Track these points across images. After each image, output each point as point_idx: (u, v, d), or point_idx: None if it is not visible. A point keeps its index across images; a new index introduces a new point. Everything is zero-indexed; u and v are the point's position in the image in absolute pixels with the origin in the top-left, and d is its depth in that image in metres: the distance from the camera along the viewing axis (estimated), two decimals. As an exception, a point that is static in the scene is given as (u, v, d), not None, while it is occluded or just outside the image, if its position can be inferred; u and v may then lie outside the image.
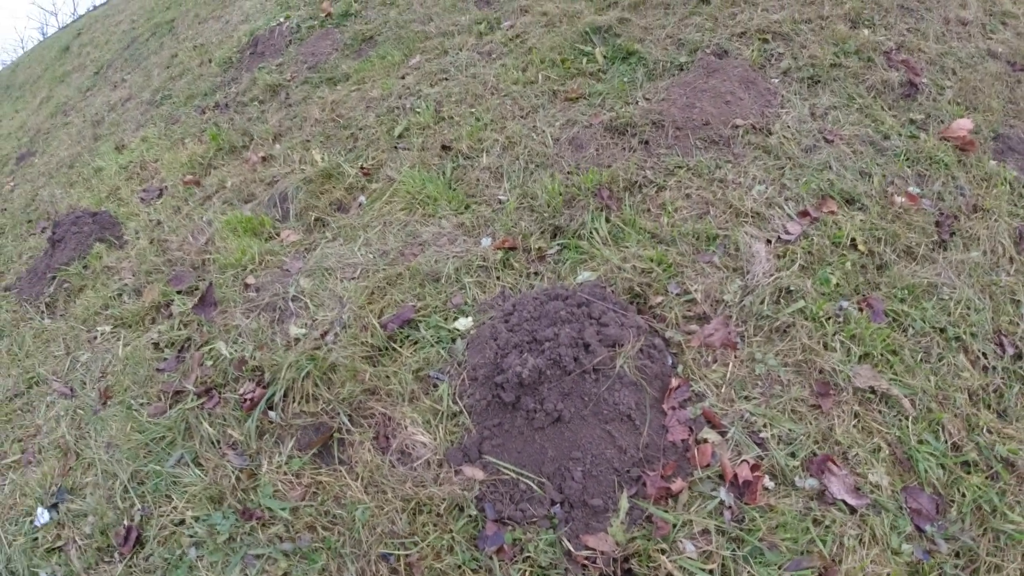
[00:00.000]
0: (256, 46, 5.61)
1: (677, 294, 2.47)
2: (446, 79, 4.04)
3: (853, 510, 1.81)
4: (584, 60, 3.66)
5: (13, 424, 2.84)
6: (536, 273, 2.53)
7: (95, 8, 17.46)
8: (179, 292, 3.07)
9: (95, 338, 3.01)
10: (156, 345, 2.79)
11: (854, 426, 1.99)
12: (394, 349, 2.34)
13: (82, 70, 9.25)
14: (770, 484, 1.88)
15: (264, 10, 6.40)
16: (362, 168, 3.55)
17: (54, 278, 3.57)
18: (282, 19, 5.79)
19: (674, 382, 2.20)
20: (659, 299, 2.44)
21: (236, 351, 2.51)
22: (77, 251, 3.64)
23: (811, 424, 2.01)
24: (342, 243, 3.00)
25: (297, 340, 2.43)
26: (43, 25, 36.04)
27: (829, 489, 1.85)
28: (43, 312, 3.36)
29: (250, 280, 2.93)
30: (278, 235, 3.29)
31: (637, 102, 3.27)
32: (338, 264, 2.80)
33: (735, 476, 1.90)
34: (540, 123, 3.27)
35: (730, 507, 1.85)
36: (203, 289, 2.86)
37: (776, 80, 3.48)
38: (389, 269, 2.62)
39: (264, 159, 4.03)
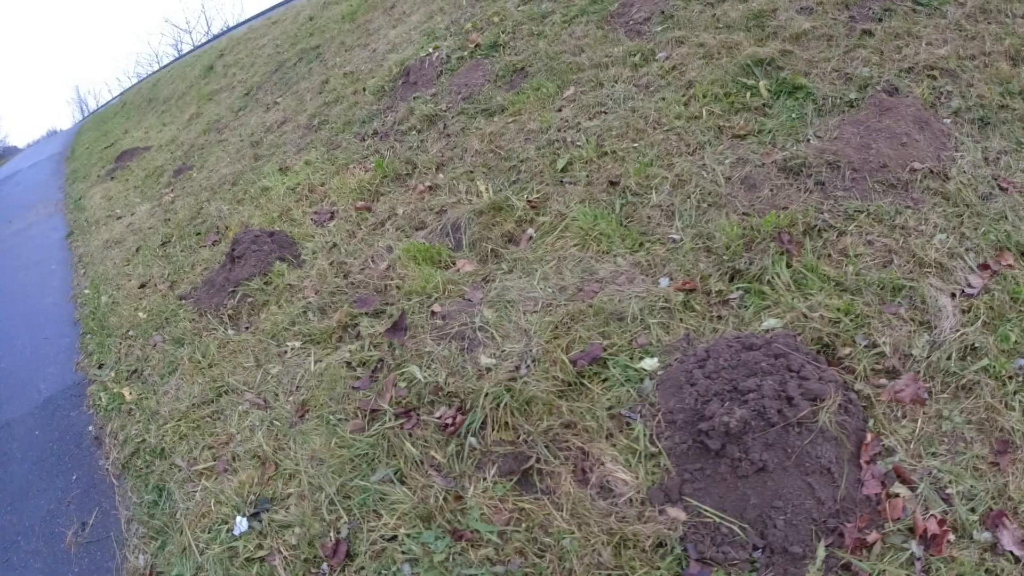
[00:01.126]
0: (408, 76, 5.95)
1: (865, 346, 2.46)
2: (604, 112, 4.08)
3: (1018, 560, 1.82)
4: (748, 94, 3.59)
5: (203, 431, 3.04)
6: (719, 316, 2.54)
7: (230, 29, 18.97)
8: (364, 314, 3.31)
9: (285, 352, 3.28)
10: (348, 364, 3.02)
11: (1024, 482, 1.96)
12: (583, 385, 2.39)
13: (230, 90, 10.05)
14: (952, 537, 1.90)
15: (411, 40, 6.77)
16: (529, 201, 3.68)
17: (234, 291, 3.92)
18: (431, 50, 6.11)
19: (868, 437, 2.21)
20: (847, 351, 2.44)
21: (430, 376, 2.66)
22: (257, 267, 3.98)
23: (989, 481, 1.99)
24: (519, 276, 3.03)
25: (488, 370, 2.50)
26: (177, 42, 39.36)
27: (1001, 541, 1.88)
28: (226, 324, 3.70)
29: (436, 308, 3.12)
30: (454, 264, 3.48)
31: (808, 140, 3.23)
32: (519, 297, 2.84)
33: (924, 530, 1.93)
34: (709, 160, 3.24)
35: (919, 559, 1.88)
36: (396, 315, 3.08)
37: (948, 120, 3.37)
38: (570, 305, 2.67)
39: (430, 188, 4.28)
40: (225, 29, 19.58)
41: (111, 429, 3.30)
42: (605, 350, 2.52)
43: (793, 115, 3.40)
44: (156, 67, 27.96)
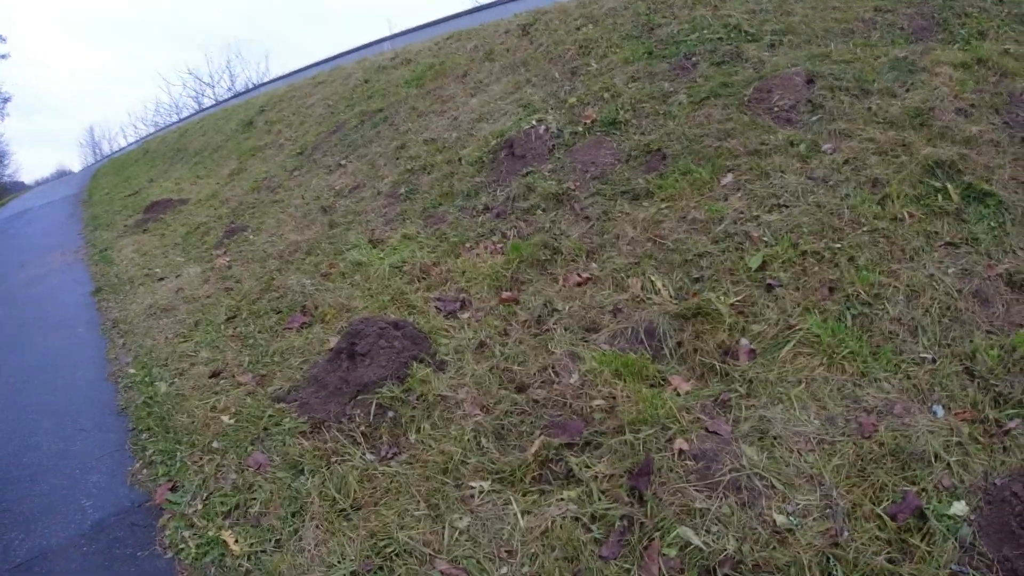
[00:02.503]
0: (512, 148, 5.33)
1: None
2: (782, 206, 3.58)
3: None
4: (939, 197, 3.38)
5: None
6: (1004, 448, 2.23)
7: (261, 85, 18.66)
8: (567, 446, 2.50)
9: (470, 497, 2.43)
10: (575, 519, 2.19)
11: None
12: (904, 543, 1.97)
13: (277, 148, 9.44)
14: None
15: (502, 111, 6.22)
16: (731, 305, 3.02)
17: (360, 399, 3.08)
18: (534, 122, 5.53)
19: None
20: None
21: (713, 542, 2.01)
22: (389, 368, 3.17)
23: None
24: (768, 403, 2.55)
25: (790, 531, 2.02)
26: (198, 95, 39.41)
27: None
28: (362, 446, 2.84)
29: (683, 445, 2.36)
30: (665, 381, 2.73)
31: (1015, 252, 3.06)
32: (785, 431, 2.39)
33: None
34: (932, 269, 3.01)
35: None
36: (635, 454, 2.32)
37: None
38: (851, 442, 2.30)
39: (588, 280, 3.55)
40: (255, 85, 19.30)
41: (212, 596, 2.37)
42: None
43: (992, 223, 3.22)
44: (176, 118, 27.66)
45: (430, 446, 2.72)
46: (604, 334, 3.19)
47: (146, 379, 4.11)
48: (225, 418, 3.25)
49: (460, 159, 5.58)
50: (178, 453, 3.19)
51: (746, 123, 4.45)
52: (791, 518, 2.05)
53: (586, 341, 3.20)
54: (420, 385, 3.05)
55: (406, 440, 2.83)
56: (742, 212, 3.63)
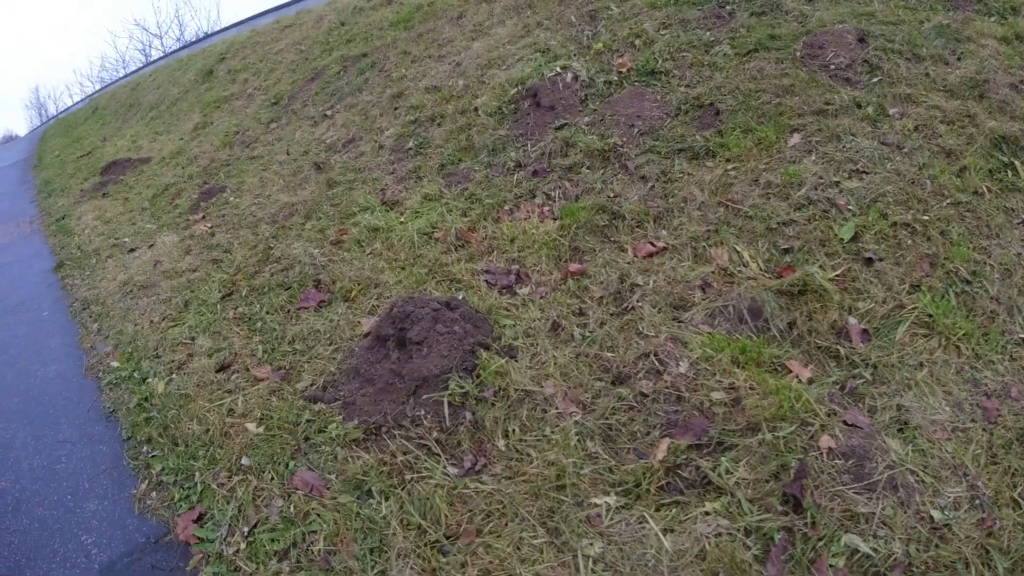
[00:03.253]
0: (536, 97, 4.71)
1: None
2: (861, 172, 3.25)
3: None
4: (1009, 172, 3.22)
5: None
6: None
7: (220, 31, 17.18)
8: (696, 446, 2.04)
9: (596, 517, 1.96)
10: (728, 535, 1.75)
11: None
12: None
13: (246, 98, 8.55)
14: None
15: (515, 56, 5.55)
16: (832, 279, 2.65)
17: (419, 395, 2.55)
18: (559, 69, 4.90)
19: None
20: None
21: (880, 547, 1.79)
22: (453, 359, 2.63)
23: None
24: (899, 389, 2.31)
25: (947, 526, 1.86)
26: (146, 46, 36.57)
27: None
28: (439, 457, 2.32)
29: (830, 443, 2.00)
30: (783, 368, 2.30)
31: None
32: (923, 420, 2.18)
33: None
34: (1017, 248, 2.87)
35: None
36: (788, 460, 1.93)
37: None
38: (984, 429, 2.16)
39: (664, 249, 3.05)
40: (206, 34, 17.80)
41: None
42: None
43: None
44: (124, 72, 25.59)
45: (529, 455, 2.22)
46: (699, 313, 2.72)
47: (135, 374, 3.47)
48: (251, 425, 2.68)
49: (476, 109, 4.92)
50: (196, 472, 2.61)
51: (804, 80, 3.99)
52: (945, 512, 1.92)
53: (679, 322, 2.72)
54: (496, 379, 2.52)
55: (494, 448, 2.32)
56: (821, 177, 3.21)
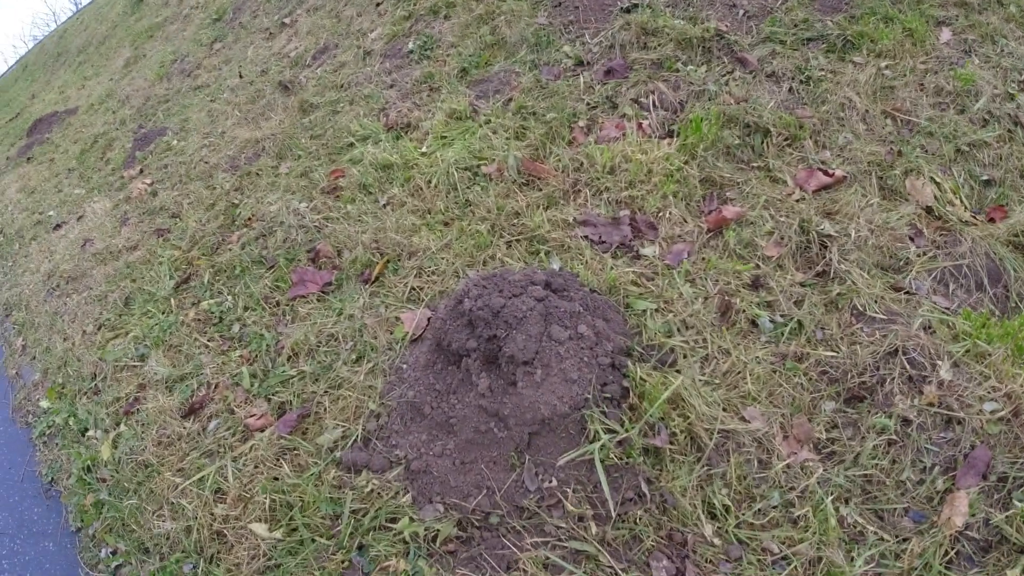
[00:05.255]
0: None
1: None
2: None
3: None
4: None
5: None
6: None
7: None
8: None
9: None
10: None
11: None
12: None
13: (183, 20, 6.97)
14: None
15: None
16: None
17: (532, 448, 1.48)
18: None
19: None
20: None
21: None
22: (587, 383, 1.57)
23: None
24: None
25: None
26: None
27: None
28: (615, 570, 1.25)
29: None
30: None
31: None
32: None
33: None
34: None
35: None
36: None
37: None
38: None
39: (843, 180, 1.95)
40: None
41: None
42: None
43: None
44: (56, 25, 22.69)
45: (766, 549, 1.21)
46: (921, 277, 1.70)
47: (70, 422, 2.33)
48: (260, 528, 1.57)
49: (491, -12, 3.59)
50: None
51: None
52: None
53: (902, 293, 1.66)
54: (667, 411, 1.43)
55: (699, 541, 1.30)
56: (997, 88, 2.41)
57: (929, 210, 2.05)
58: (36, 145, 6.27)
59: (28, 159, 6.02)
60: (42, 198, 4.78)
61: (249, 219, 3.01)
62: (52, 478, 2.26)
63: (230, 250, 2.85)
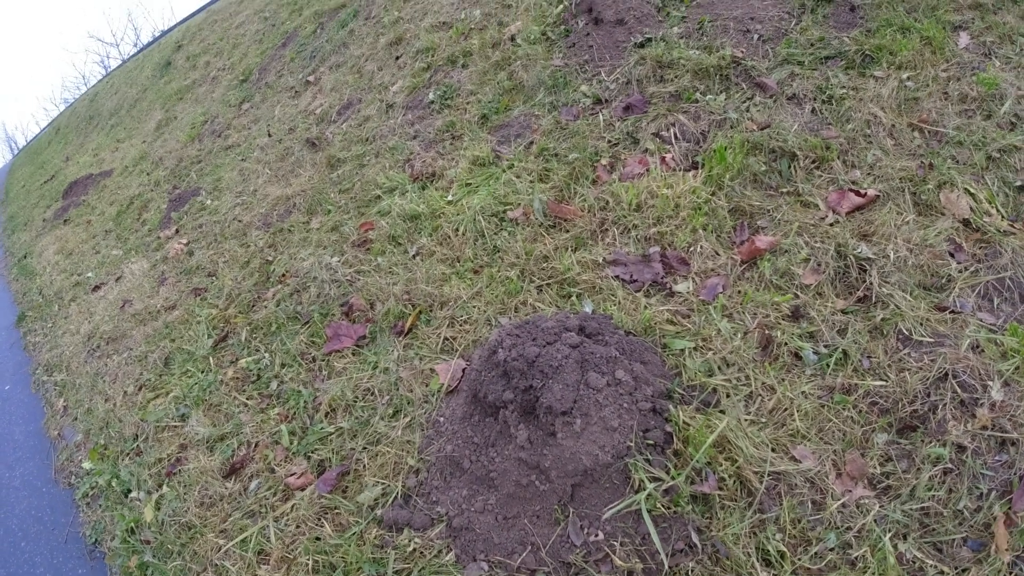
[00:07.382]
0: (592, 11, 3.48)
1: None
2: None
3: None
4: None
5: None
6: None
7: (178, 24, 15.61)
8: None
9: None
10: None
11: None
12: None
13: (211, 82, 7.24)
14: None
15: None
16: None
17: (575, 500, 1.44)
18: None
19: None
20: None
21: None
22: (628, 430, 1.52)
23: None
24: None
25: None
26: (104, 57, 34.55)
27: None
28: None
29: None
30: None
31: None
32: None
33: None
34: None
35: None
36: None
37: None
38: None
39: (873, 200, 1.91)
40: (163, 32, 16.18)
41: None
42: None
43: None
44: (85, 88, 23.92)
45: None
46: (964, 294, 1.65)
47: (113, 483, 2.35)
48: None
49: (512, 38, 3.67)
50: None
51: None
52: None
53: (947, 313, 1.59)
54: (713, 455, 1.38)
55: None
56: (1019, 87, 2.33)
57: (966, 223, 1.99)
58: (72, 207, 6.51)
59: (65, 221, 6.25)
60: (80, 259, 4.94)
61: (283, 275, 3.07)
62: (96, 539, 2.27)
63: (265, 307, 2.89)
